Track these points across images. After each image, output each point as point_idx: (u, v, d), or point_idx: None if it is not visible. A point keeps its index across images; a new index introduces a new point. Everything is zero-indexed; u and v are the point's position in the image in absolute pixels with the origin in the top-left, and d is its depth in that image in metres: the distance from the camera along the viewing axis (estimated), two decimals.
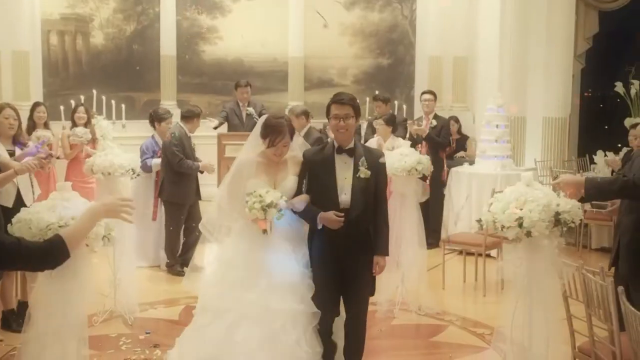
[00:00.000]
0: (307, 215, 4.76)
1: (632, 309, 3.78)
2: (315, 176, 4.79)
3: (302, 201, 4.74)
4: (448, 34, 11.93)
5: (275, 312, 4.64)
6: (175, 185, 8.24)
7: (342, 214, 4.57)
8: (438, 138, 9.72)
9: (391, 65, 12.45)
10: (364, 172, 4.61)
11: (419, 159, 7.10)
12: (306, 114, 8.44)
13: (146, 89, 11.86)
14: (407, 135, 9.50)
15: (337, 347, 4.87)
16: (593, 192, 4.69)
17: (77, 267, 4.03)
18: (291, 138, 4.92)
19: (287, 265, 4.79)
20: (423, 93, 10.21)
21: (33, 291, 4.23)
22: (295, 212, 4.82)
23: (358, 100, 10.57)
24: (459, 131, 11.05)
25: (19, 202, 5.74)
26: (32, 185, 6.31)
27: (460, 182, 9.73)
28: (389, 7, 12.36)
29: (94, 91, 10.68)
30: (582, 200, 4.49)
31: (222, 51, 12.09)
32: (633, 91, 9.48)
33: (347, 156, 4.71)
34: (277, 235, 4.78)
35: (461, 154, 10.78)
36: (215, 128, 9.91)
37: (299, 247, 4.91)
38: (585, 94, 12.36)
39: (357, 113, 4.80)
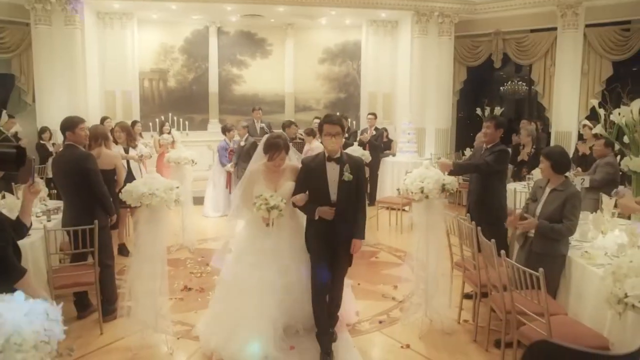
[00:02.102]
0: (306, 209, 3.91)
1: (484, 238, 3.85)
2: (311, 179, 3.88)
3: (302, 199, 3.89)
4: (379, 79, 11.78)
5: (284, 283, 3.94)
6: None
7: (334, 208, 3.78)
8: (376, 142, 9.65)
9: (346, 98, 12.32)
10: (348, 177, 3.79)
11: (362, 153, 7.18)
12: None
13: (200, 112, 11.66)
14: (357, 140, 9.48)
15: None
16: (457, 170, 4.91)
17: (159, 218, 4.03)
18: (286, 152, 4.03)
19: (286, 249, 4.01)
20: (369, 114, 10.10)
21: (135, 233, 4.24)
22: (296, 206, 3.99)
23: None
24: (387, 137, 11.04)
25: (131, 180, 5.71)
26: (140, 170, 6.28)
27: (387, 167, 9.77)
28: (344, 63, 12.20)
29: (170, 114, 10.53)
30: (450, 173, 4.57)
31: (245, 89, 11.92)
32: (486, 113, 9.56)
33: (334, 163, 3.83)
34: (277, 227, 3.95)
35: (386, 152, 10.76)
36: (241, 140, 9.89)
37: (296, 235, 4.09)
38: (460, 115, 12.38)
39: (344, 130, 3.96)
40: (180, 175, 6.68)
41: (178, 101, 11.54)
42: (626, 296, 1.78)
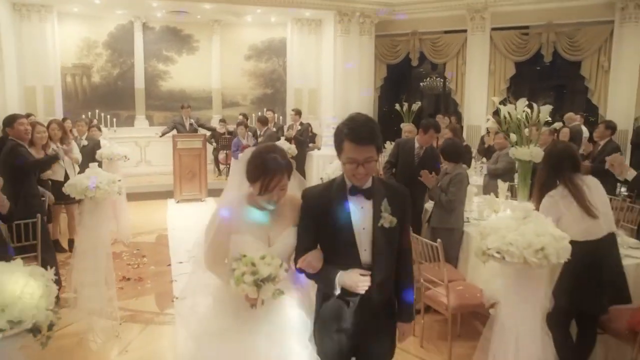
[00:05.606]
0: (320, 276, 2.22)
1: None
2: (325, 225, 2.21)
3: (318, 259, 2.21)
4: (304, 75, 12.27)
5: None
6: None
7: (369, 272, 2.15)
8: (301, 137, 10.07)
9: (272, 94, 12.74)
10: (390, 221, 2.17)
11: (289, 147, 7.71)
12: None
13: (127, 109, 11.71)
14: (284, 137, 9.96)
15: None
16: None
17: (102, 209, 4.33)
18: (289, 176, 2.29)
19: (289, 350, 2.22)
20: (292, 110, 10.62)
21: (78, 227, 4.51)
22: (307, 275, 2.27)
23: (258, 113, 10.83)
24: (311, 131, 11.51)
25: (67, 177, 5.91)
26: (73, 168, 6.34)
27: (313, 160, 10.23)
28: (270, 60, 12.62)
29: (97, 110, 10.58)
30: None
31: (172, 85, 12.06)
32: (404, 108, 10.30)
33: (363, 198, 2.19)
34: (271, 311, 2.23)
35: (311, 146, 11.25)
36: (161, 135, 10.09)
37: (305, 320, 2.32)
38: (384, 109, 13.01)
39: (380, 151, 2.19)
40: (111, 171, 6.79)
41: (103, 97, 11.51)
42: (487, 249, 2.46)
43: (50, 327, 1.79)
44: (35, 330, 1.72)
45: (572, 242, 2.54)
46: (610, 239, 3.26)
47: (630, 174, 3.77)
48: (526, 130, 4.98)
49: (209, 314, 2.38)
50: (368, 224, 2.18)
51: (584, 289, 3.07)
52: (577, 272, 2.95)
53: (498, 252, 2.45)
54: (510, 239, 2.42)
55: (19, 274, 1.81)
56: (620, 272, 3.25)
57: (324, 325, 2.27)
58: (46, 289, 1.86)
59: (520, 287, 2.58)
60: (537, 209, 3.26)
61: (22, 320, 1.69)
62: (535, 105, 4.79)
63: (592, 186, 3.29)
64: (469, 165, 5.07)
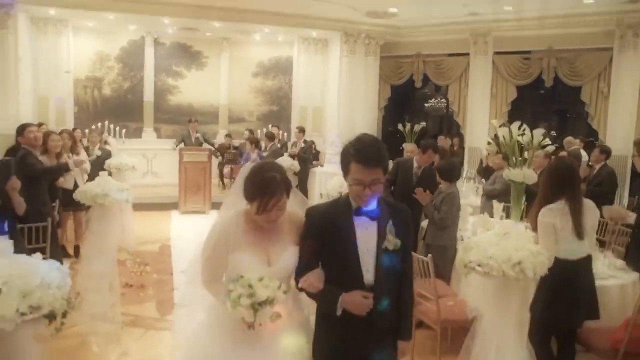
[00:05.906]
0: (321, 297, 2.18)
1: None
2: (328, 245, 2.18)
3: (319, 279, 2.16)
4: (310, 93, 12.47)
5: None
6: None
7: (371, 294, 2.12)
8: (305, 155, 10.27)
9: (278, 110, 12.94)
10: (394, 243, 2.16)
11: (291, 163, 7.84)
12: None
13: (135, 121, 11.98)
14: (287, 153, 10.17)
15: None
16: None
17: (110, 217, 4.52)
18: (287, 195, 2.23)
19: None
20: (296, 127, 10.87)
21: (86, 233, 4.69)
22: (303, 290, 2.24)
23: (263, 129, 11.02)
24: (315, 148, 11.70)
25: (76, 185, 6.09)
26: (82, 177, 6.54)
27: (315, 177, 10.28)
28: (277, 77, 12.87)
29: (106, 122, 10.88)
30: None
31: (180, 99, 12.31)
32: (407, 128, 10.49)
33: (368, 220, 2.17)
34: (269, 335, 2.16)
35: (315, 163, 11.43)
36: (176, 147, 10.28)
37: (300, 340, 2.26)
38: (389, 129, 13.15)
39: (386, 171, 2.21)
40: (119, 181, 7.00)
41: (113, 109, 11.77)
42: (469, 262, 2.63)
43: (64, 315, 1.99)
44: (51, 316, 1.92)
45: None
46: (587, 260, 3.40)
47: (630, 218, 3.91)
48: (526, 153, 5.16)
49: (204, 331, 2.31)
50: (372, 246, 2.16)
51: (558, 304, 3.22)
52: (553, 288, 3.10)
53: (479, 265, 2.62)
54: (490, 253, 2.59)
55: (38, 266, 2.01)
56: (592, 292, 3.38)
57: (324, 347, 2.23)
58: (62, 280, 2.04)
59: (501, 301, 2.73)
60: (535, 221, 3.34)
61: (40, 306, 1.90)
62: (527, 129, 4.97)
63: (587, 208, 3.39)
64: None
